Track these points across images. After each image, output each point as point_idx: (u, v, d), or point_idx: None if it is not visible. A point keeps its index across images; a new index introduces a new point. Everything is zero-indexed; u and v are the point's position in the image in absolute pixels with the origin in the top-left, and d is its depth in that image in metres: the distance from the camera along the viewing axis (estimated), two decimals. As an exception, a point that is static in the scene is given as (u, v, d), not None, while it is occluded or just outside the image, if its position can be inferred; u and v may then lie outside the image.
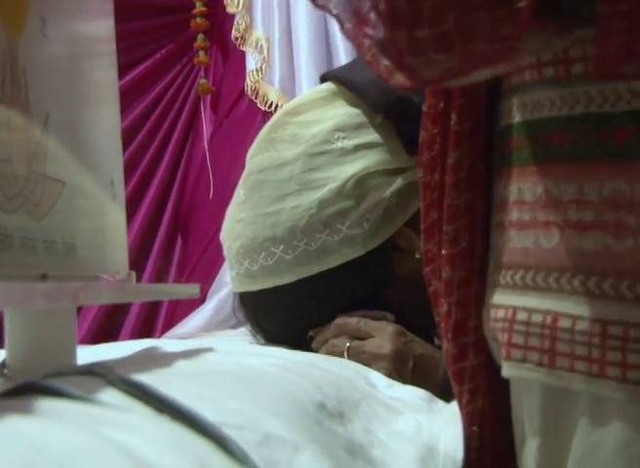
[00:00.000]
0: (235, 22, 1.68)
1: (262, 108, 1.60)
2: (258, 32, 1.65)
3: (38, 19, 0.55)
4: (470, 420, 0.54)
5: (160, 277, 1.68)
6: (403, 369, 0.79)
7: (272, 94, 1.60)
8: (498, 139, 0.52)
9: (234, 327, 1.37)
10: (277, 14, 1.62)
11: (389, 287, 0.87)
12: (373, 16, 0.41)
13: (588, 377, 0.44)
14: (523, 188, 0.48)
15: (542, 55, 0.46)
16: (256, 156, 0.92)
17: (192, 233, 1.68)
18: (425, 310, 0.68)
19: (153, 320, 1.65)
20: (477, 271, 0.52)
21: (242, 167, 0.96)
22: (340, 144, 0.87)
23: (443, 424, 0.55)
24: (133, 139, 1.69)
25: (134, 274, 0.70)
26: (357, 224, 0.84)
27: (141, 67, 1.73)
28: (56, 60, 0.58)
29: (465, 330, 0.53)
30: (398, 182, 0.86)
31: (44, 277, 0.52)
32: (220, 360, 0.59)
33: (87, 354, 0.62)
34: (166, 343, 0.82)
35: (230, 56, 1.73)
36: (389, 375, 0.75)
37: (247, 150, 0.96)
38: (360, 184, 0.85)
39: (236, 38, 1.67)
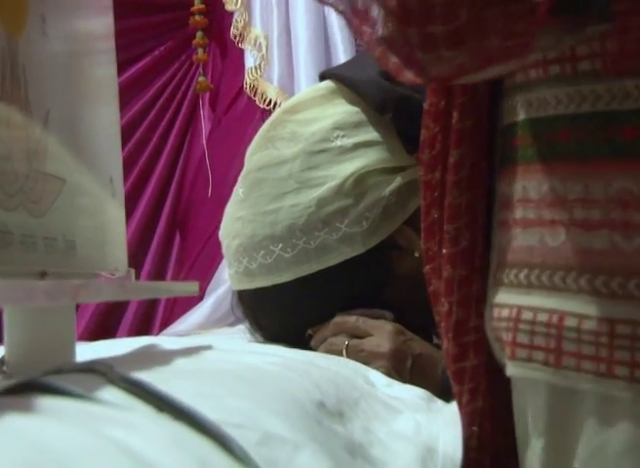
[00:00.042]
0: (234, 20, 1.67)
1: (261, 106, 1.60)
2: (256, 30, 1.65)
3: (38, 17, 0.55)
4: (470, 420, 0.54)
5: (158, 274, 1.67)
6: (402, 367, 0.79)
7: (271, 91, 1.59)
8: (500, 137, 0.52)
9: (232, 324, 1.37)
10: (276, 11, 1.62)
11: (388, 285, 0.87)
12: (372, 13, 0.41)
13: (596, 377, 0.44)
14: (528, 186, 0.48)
15: (549, 52, 0.46)
16: (255, 154, 0.92)
17: (191, 230, 1.68)
18: (424, 309, 0.68)
19: (151, 317, 1.65)
20: (478, 270, 0.52)
21: (240, 164, 0.96)
22: (339, 143, 0.87)
23: (442, 424, 0.55)
24: (131, 137, 1.69)
25: (133, 271, 0.70)
26: (356, 223, 0.84)
27: (140, 64, 1.73)
28: (55, 58, 0.58)
29: (466, 329, 0.52)
30: (397, 181, 0.86)
31: (43, 274, 0.52)
32: (218, 358, 0.59)
33: (86, 351, 0.62)
34: (164, 341, 0.82)
35: (229, 53, 1.73)
36: (388, 374, 0.75)
37: (245, 148, 0.96)
38: (359, 183, 0.85)
39: (235, 36, 1.67)
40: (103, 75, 0.70)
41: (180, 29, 1.77)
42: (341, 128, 0.88)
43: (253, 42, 1.63)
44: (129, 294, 0.72)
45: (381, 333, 0.81)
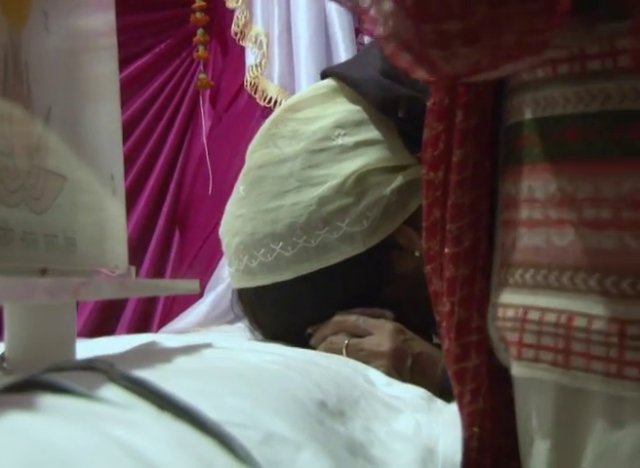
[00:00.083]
0: (235, 17, 1.67)
1: (261, 104, 1.60)
2: (257, 27, 1.64)
3: (40, 13, 0.54)
4: (471, 421, 0.53)
5: (157, 272, 1.67)
6: (402, 367, 0.79)
7: (271, 89, 1.59)
8: (504, 137, 0.52)
9: (231, 322, 1.37)
10: (277, 9, 1.61)
11: (388, 284, 0.87)
12: (382, 9, 0.40)
13: (605, 377, 0.44)
14: (534, 186, 0.48)
15: (561, 50, 0.45)
16: (256, 152, 0.91)
17: (190, 228, 1.68)
18: (424, 308, 0.68)
19: (150, 314, 1.65)
20: (481, 270, 0.52)
21: (241, 162, 0.95)
22: (340, 141, 0.87)
23: (442, 426, 0.55)
24: (131, 134, 1.68)
25: (133, 269, 0.70)
26: (357, 222, 0.84)
27: (141, 61, 1.73)
28: (57, 54, 0.57)
29: (468, 329, 0.52)
30: (398, 180, 0.86)
31: (44, 271, 0.52)
32: (219, 356, 0.59)
33: (85, 348, 0.62)
34: (164, 338, 0.82)
35: (230, 51, 1.73)
36: (388, 373, 0.75)
37: (246, 145, 0.96)
38: (360, 182, 0.85)
39: (236, 33, 1.67)
40: (105, 72, 0.70)
41: (181, 26, 1.77)
42: (343, 126, 0.88)
43: (254, 40, 1.63)
44: (129, 292, 0.72)
45: (382, 333, 0.81)
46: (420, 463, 0.48)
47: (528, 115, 0.49)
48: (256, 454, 0.32)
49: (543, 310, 0.47)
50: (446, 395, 0.68)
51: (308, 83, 1.52)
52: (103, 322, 1.59)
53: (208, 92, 1.75)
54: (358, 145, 0.87)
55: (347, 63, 1.03)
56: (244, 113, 1.64)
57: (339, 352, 0.82)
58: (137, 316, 1.63)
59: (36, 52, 0.52)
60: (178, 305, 1.58)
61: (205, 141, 1.70)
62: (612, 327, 0.44)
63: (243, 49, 1.66)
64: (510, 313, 0.49)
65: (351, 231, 0.84)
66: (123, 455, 0.26)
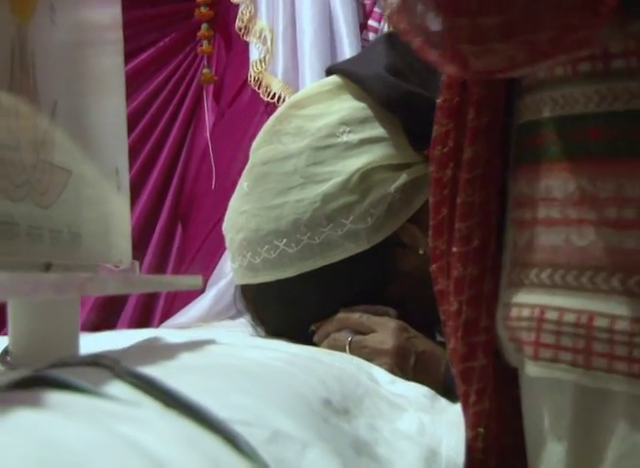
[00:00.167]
0: (239, 12, 1.67)
1: (265, 99, 1.60)
2: (262, 22, 1.64)
3: (47, 5, 0.54)
4: (476, 421, 0.53)
5: (159, 266, 1.67)
6: (405, 365, 0.79)
7: (275, 85, 1.59)
8: (516, 135, 0.52)
9: (233, 317, 1.37)
10: (282, 4, 1.61)
11: (392, 282, 0.87)
12: (409, 3, 0.40)
13: (628, 378, 0.43)
14: (551, 185, 0.48)
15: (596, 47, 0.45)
16: (260, 148, 0.91)
17: (192, 223, 1.68)
18: (428, 306, 0.68)
19: (151, 309, 1.65)
20: (490, 270, 0.52)
21: (243, 157, 0.95)
22: (345, 138, 0.87)
23: (446, 427, 0.55)
24: (134, 128, 1.68)
25: (137, 264, 0.70)
26: (361, 219, 0.84)
27: (144, 55, 1.72)
28: (64, 48, 0.57)
29: (476, 329, 0.52)
30: (403, 178, 0.86)
31: (48, 266, 0.52)
32: (223, 352, 0.59)
33: (88, 342, 0.62)
34: (167, 333, 0.81)
35: (234, 46, 1.72)
36: (391, 371, 0.75)
37: (249, 141, 0.96)
38: (365, 179, 0.85)
39: (240, 28, 1.66)
40: (110, 66, 0.70)
41: (185, 21, 1.76)
42: (348, 123, 0.88)
43: (258, 35, 1.62)
44: (134, 288, 0.72)
45: (385, 330, 0.81)
46: (424, 463, 0.48)
47: (545, 113, 0.48)
48: (262, 453, 0.32)
49: (562, 310, 0.46)
50: (449, 393, 0.68)
51: (312, 78, 1.52)
52: (105, 316, 1.58)
53: (211, 86, 1.75)
54: (363, 143, 0.87)
55: (352, 60, 1.03)
56: (247, 108, 1.63)
57: (342, 349, 0.82)
58: (138, 311, 1.63)
59: (43, 45, 0.52)
60: (179, 300, 1.57)
61: (208, 136, 1.70)
62: (636, 327, 0.43)
63: (247, 44, 1.65)
64: (526, 313, 0.48)
65: (355, 228, 0.84)
66: (130, 453, 0.26)
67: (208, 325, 1.37)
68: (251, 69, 1.62)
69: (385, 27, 1.63)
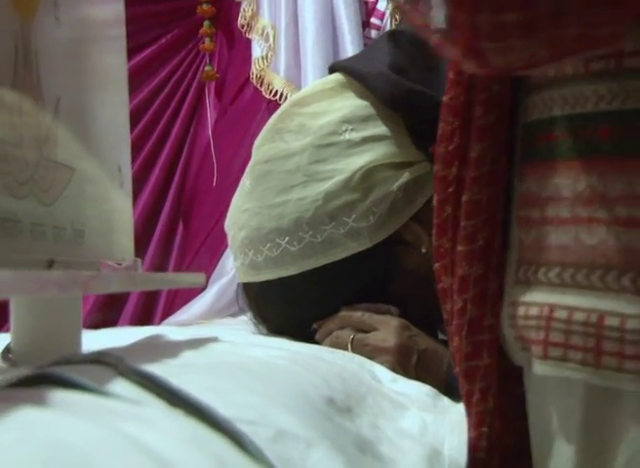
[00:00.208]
0: (241, 10, 1.66)
1: (267, 97, 1.59)
2: (264, 20, 1.64)
3: (50, 2, 0.54)
4: (480, 420, 0.53)
5: (161, 263, 1.67)
6: (407, 363, 0.79)
7: (277, 82, 1.59)
8: (522, 133, 0.52)
9: (234, 315, 1.37)
10: (284, 2, 1.61)
11: (394, 280, 0.87)
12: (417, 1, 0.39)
13: (639, 377, 0.43)
14: (560, 183, 0.47)
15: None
16: (262, 146, 0.91)
17: (194, 220, 1.68)
18: (430, 305, 0.68)
19: (153, 306, 1.64)
20: (495, 268, 0.52)
21: (245, 155, 0.95)
22: (347, 136, 0.87)
23: (448, 426, 0.55)
24: (136, 125, 1.67)
25: (139, 261, 0.70)
26: (363, 217, 0.84)
27: (146, 52, 1.72)
28: (67, 45, 0.57)
29: (480, 327, 0.52)
30: (405, 176, 0.85)
31: (51, 263, 0.52)
32: (226, 351, 0.59)
33: (90, 340, 0.62)
34: (169, 331, 0.81)
35: (236, 43, 1.72)
36: (393, 369, 0.75)
37: (251, 138, 0.96)
38: (367, 177, 0.85)
39: (242, 25, 1.66)
40: (113, 63, 0.70)
41: (187, 18, 1.76)
42: (350, 121, 0.87)
43: (260, 32, 1.62)
44: (137, 286, 0.72)
45: (387, 328, 0.81)
46: (427, 462, 0.47)
47: (554, 112, 0.48)
48: (267, 452, 0.32)
49: (571, 309, 0.46)
50: (451, 392, 0.68)
51: (314, 76, 1.51)
52: (106, 313, 1.58)
53: (213, 84, 1.74)
54: (365, 141, 0.86)
55: (355, 58, 1.03)
56: (249, 106, 1.63)
57: (344, 347, 0.82)
58: (139, 308, 1.62)
59: (46, 42, 0.52)
60: (180, 297, 1.57)
61: (210, 134, 1.69)
62: None
63: (249, 41, 1.65)
64: (534, 311, 0.48)
65: (358, 227, 0.84)
66: (137, 452, 0.26)
67: (209, 322, 1.37)
68: (253, 67, 1.62)
69: (388, 25, 1.63)
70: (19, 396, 0.31)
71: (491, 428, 0.53)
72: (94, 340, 0.64)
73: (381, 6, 1.65)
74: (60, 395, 0.31)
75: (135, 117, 1.65)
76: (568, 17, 0.37)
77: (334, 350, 0.78)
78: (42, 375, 0.34)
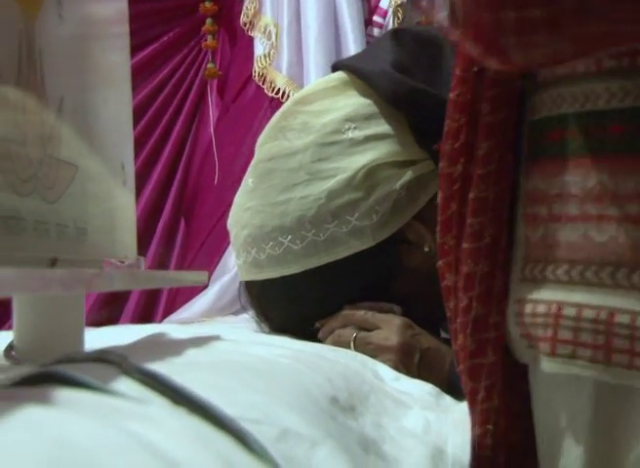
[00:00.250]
0: (244, 7, 1.66)
1: (269, 95, 1.59)
2: (266, 18, 1.63)
3: (54, 0, 0.54)
4: (485, 418, 0.53)
5: (162, 261, 1.67)
6: (409, 361, 0.79)
7: (280, 80, 1.59)
8: (529, 131, 0.51)
9: (236, 313, 1.37)
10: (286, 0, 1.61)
11: (397, 279, 0.87)
12: None
13: None
14: (569, 181, 0.47)
15: None
16: (265, 144, 0.91)
17: (196, 218, 1.68)
18: (433, 303, 0.68)
19: (154, 304, 1.65)
20: (501, 266, 0.51)
21: (247, 152, 0.95)
22: (350, 135, 0.87)
23: (452, 425, 0.55)
24: (138, 122, 1.67)
25: (142, 259, 0.70)
26: (366, 216, 0.84)
27: (149, 50, 1.72)
28: (70, 42, 0.57)
29: (486, 325, 0.52)
30: (408, 175, 0.85)
31: (54, 261, 0.52)
32: (229, 349, 0.59)
33: (93, 337, 0.62)
34: (171, 329, 0.81)
35: (238, 41, 1.72)
36: (395, 368, 0.75)
37: (253, 136, 0.96)
38: (370, 176, 0.85)
39: (245, 23, 1.66)
40: (117, 61, 0.69)
41: (190, 16, 1.76)
42: (353, 120, 0.87)
43: (263, 30, 1.62)
44: (140, 284, 0.72)
45: (390, 327, 0.81)
46: (431, 461, 0.47)
47: (563, 109, 0.48)
48: (272, 451, 0.32)
49: (580, 306, 0.46)
50: (453, 391, 0.68)
51: (317, 74, 1.51)
52: (107, 311, 1.58)
53: (216, 81, 1.74)
54: (368, 139, 0.86)
55: (358, 56, 1.03)
56: (252, 104, 1.63)
57: (346, 345, 0.82)
58: (140, 305, 1.62)
59: (50, 40, 0.52)
60: (182, 295, 1.57)
61: (212, 131, 1.69)
62: None
63: (252, 39, 1.65)
64: (541, 309, 0.48)
65: (360, 225, 0.84)
66: (141, 451, 0.26)
67: (211, 320, 1.37)
68: (255, 64, 1.61)
69: (390, 23, 1.63)
70: (22, 395, 0.31)
71: (496, 426, 0.53)
72: (96, 338, 0.64)
73: (384, 4, 1.64)
74: (64, 393, 0.31)
75: (137, 114, 1.65)
76: (592, 13, 0.37)
77: (336, 348, 0.78)
78: (46, 374, 0.34)
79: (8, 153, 0.45)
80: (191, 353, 0.52)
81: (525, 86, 0.51)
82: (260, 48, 1.62)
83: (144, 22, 1.69)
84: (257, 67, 1.61)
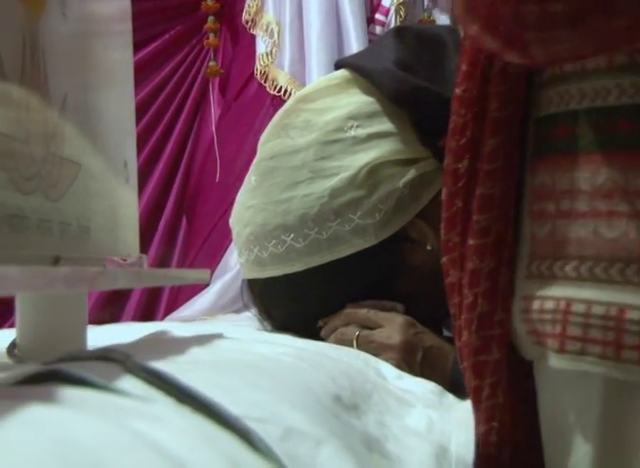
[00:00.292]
0: (246, 5, 1.66)
1: (271, 92, 1.59)
2: (268, 16, 1.63)
3: (58, -1, 0.54)
4: (490, 415, 0.53)
5: (164, 259, 1.67)
6: (412, 360, 0.79)
7: (282, 78, 1.59)
8: (536, 127, 0.51)
9: (238, 311, 1.37)
10: (288, -3, 1.61)
11: (399, 277, 0.86)
12: None
13: None
14: (578, 177, 0.47)
15: None
16: (268, 142, 0.91)
17: (198, 216, 1.68)
18: (435, 301, 0.68)
19: (156, 301, 1.65)
20: (506, 263, 0.51)
21: (249, 150, 0.95)
22: (353, 133, 0.86)
23: (455, 424, 0.55)
24: (140, 120, 1.67)
25: (145, 257, 0.70)
26: (369, 214, 0.84)
27: (150, 48, 1.72)
28: (74, 41, 0.57)
29: (491, 322, 0.51)
30: (411, 173, 0.85)
31: (57, 259, 0.52)
32: (232, 347, 0.59)
33: (95, 335, 0.62)
34: (173, 327, 0.81)
35: (240, 39, 1.72)
36: (398, 366, 0.75)
37: (255, 134, 0.96)
38: (373, 174, 0.85)
39: (247, 21, 1.66)
40: (119, 59, 0.69)
41: (192, 13, 1.76)
42: (356, 118, 0.87)
43: (265, 28, 1.62)
44: (143, 282, 0.72)
45: (392, 325, 0.81)
46: (435, 460, 0.47)
47: (571, 106, 0.48)
48: (276, 450, 0.32)
49: (589, 302, 0.46)
50: (456, 389, 0.68)
51: (319, 72, 1.51)
52: (109, 309, 1.58)
53: (217, 79, 1.74)
54: (371, 137, 0.86)
55: (361, 54, 1.03)
56: (253, 102, 1.63)
57: (349, 343, 0.81)
58: (142, 303, 1.63)
59: (54, 38, 0.52)
60: (183, 293, 1.58)
61: (214, 129, 1.69)
62: None
63: (254, 37, 1.65)
64: (549, 305, 0.48)
65: (363, 223, 0.84)
66: (146, 450, 0.26)
67: (213, 318, 1.37)
68: (257, 62, 1.62)
69: (392, 21, 1.63)
70: (26, 393, 0.31)
71: (501, 423, 0.53)
72: (98, 336, 0.64)
73: (386, 2, 1.64)
74: (68, 392, 0.31)
75: (139, 112, 1.64)
76: (615, 8, 0.37)
77: (339, 347, 0.78)
78: (49, 372, 0.34)
79: (11, 151, 0.45)
80: (194, 351, 0.52)
81: (530, 82, 0.51)
82: (262, 46, 1.62)
83: (146, 20, 1.69)
84: (259, 65, 1.61)
